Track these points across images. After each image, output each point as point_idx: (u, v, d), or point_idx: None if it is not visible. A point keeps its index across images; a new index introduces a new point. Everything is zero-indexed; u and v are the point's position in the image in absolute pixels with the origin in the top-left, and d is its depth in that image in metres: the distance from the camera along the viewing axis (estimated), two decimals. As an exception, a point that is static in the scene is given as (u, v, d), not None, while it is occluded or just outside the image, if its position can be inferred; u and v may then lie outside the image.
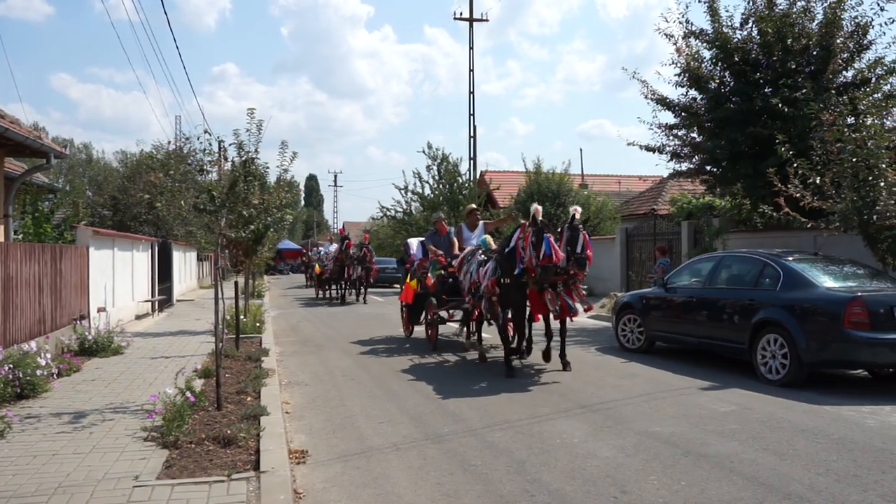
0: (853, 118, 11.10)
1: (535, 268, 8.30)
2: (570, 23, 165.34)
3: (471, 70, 30.61)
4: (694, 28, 14.09)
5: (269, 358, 9.87)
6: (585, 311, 9.28)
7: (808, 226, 10.60)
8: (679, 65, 14.04)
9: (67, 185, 33.95)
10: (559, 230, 8.67)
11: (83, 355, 9.83)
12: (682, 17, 14.27)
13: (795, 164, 10.56)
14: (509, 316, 9.27)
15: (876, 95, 12.59)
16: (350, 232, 27.31)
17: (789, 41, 12.81)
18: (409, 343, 12.13)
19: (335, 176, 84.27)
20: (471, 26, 30.92)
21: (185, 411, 5.89)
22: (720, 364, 9.40)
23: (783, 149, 11.12)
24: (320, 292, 24.96)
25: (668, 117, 14.86)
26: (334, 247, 24.16)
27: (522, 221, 8.78)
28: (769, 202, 11.55)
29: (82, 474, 4.83)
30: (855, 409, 6.87)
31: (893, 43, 13.06)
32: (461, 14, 31.52)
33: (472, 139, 30.51)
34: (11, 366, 7.14)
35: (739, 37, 13.53)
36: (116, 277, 13.72)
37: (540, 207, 8.66)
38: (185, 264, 26.05)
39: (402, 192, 28.76)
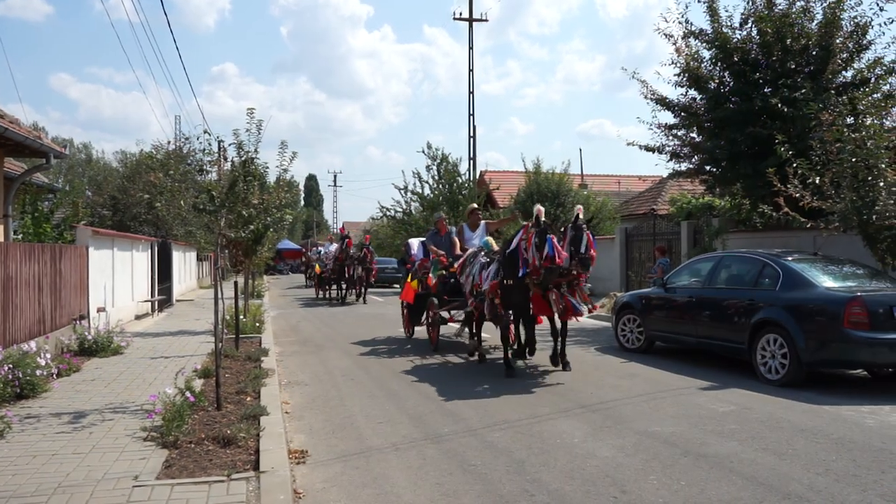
0: (852, 118, 11.11)
1: (539, 269, 8.24)
2: (570, 23, 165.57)
3: (470, 70, 30.63)
4: (693, 28, 14.11)
5: (269, 358, 9.87)
6: (590, 311, 9.18)
7: (808, 226, 10.61)
8: (678, 65, 14.06)
9: (67, 185, 33.95)
10: (563, 229, 8.57)
11: (83, 355, 9.83)
12: (682, 17, 14.30)
13: (795, 164, 10.56)
14: (511, 318, 9.19)
15: (875, 95, 12.60)
16: (350, 232, 27.30)
17: (789, 41, 12.83)
18: (410, 343, 12.09)
19: (335, 176, 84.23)
20: (470, 26, 30.94)
21: (184, 411, 5.89)
22: (720, 364, 9.40)
23: (783, 149, 11.13)
24: (320, 292, 24.93)
25: (668, 117, 14.89)
26: (334, 246, 24.14)
27: (525, 223, 8.69)
28: (769, 202, 11.56)
29: (82, 474, 4.83)
30: (854, 409, 6.87)
31: (893, 43, 13.04)
32: (461, 14, 31.55)
33: (471, 139, 30.53)
34: (11, 366, 7.14)
35: (739, 37, 13.54)
36: (116, 277, 13.72)
37: (542, 208, 8.60)
38: (184, 264, 26.05)
39: (402, 192, 28.79)
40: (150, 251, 17.26)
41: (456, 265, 10.54)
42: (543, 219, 8.42)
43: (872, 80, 12.99)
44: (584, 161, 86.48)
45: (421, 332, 12.31)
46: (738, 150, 13.18)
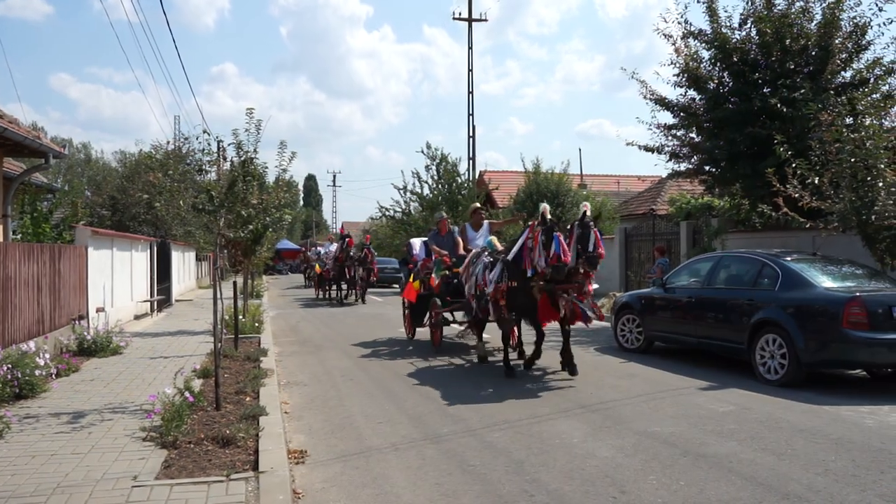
0: (852, 118, 11.14)
1: (546, 268, 8.01)
2: (569, 23, 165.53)
3: (470, 70, 30.64)
4: (693, 28, 14.13)
5: (268, 358, 9.87)
6: (598, 318, 8.88)
7: (807, 226, 10.62)
8: (678, 65, 14.07)
9: (66, 184, 33.97)
10: (569, 227, 8.40)
11: (82, 355, 9.82)
12: (681, 17, 14.32)
13: (794, 165, 10.57)
14: (515, 320, 9.00)
15: (874, 96, 12.63)
16: (350, 232, 27.30)
17: (788, 41, 12.84)
18: (412, 345, 11.96)
19: (334, 176, 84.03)
20: (470, 26, 30.96)
21: (183, 411, 5.89)
22: (719, 364, 9.41)
23: (782, 149, 11.13)
24: (320, 292, 24.89)
25: (667, 117, 14.91)
26: (334, 246, 24.11)
27: (531, 222, 8.46)
28: (768, 202, 11.57)
29: (81, 474, 4.83)
30: (853, 409, 6.87)
31: (892, 43, 13.05)
32: (460, 14, 31.58)
33: (471, 139, 30.54)
34: (10, 366, 7.13)
35: (738, 37, 13.56)
36: (115, 277, 13.71)
37: (548, 206, 8.40)
38: (183, 264, 26.04)
39: (401, 192, 28.81)
40: (149, 251, 17.25)
41: (461, 268, 10.21)
42: (549, 216, 8.21)
43: (871, 80, 13.01)
44: (584, 161, 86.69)
45: (422, 333, 12.13)
46: (738, 151, 13.19)
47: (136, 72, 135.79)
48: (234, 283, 11.42)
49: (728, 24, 13.76)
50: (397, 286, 27.02)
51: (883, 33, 17.56)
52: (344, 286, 22.87)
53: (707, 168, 14.70)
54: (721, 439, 5.85)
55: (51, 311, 9.97)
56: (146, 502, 4.33)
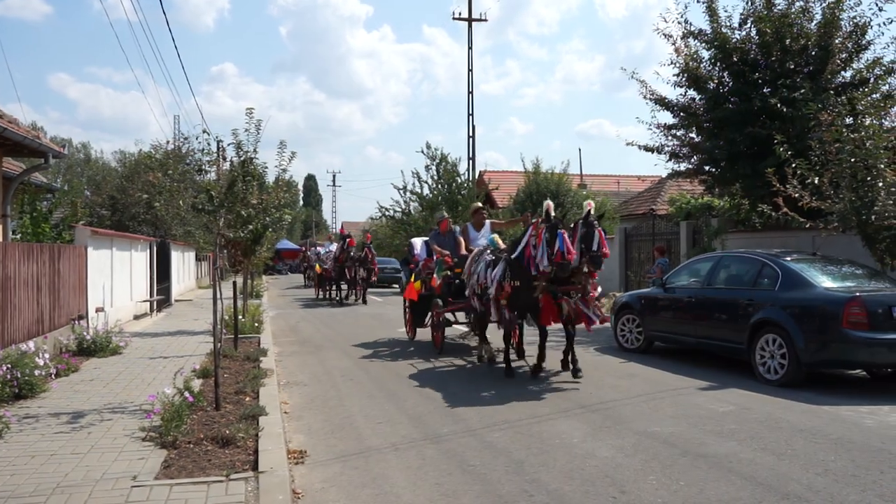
0: (851, 118, 11.14)
1: (547, 267, 7.88)
2: (569, 23, 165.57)
3: (470, 70, 30.65)
4: (693, 28, 14.13)
5: (268, 358, 9.86)
6: (600, 323, 8.73)
7: (807, 226, 10.62)
8: (678, 65, 14.07)
9: (66, 184, 33.95)
10: (573, 226, 8.26)
11: (81, 355, 9.82)
12: (681, 17, 14.33)
13: (794, 165, 10.57)
14: (517, 320, 8.84)
15: (874, 96, 12.64)
16: (350, 231, 27.29)
17: (788, 41, 12.84)
18: (412, 345, 11.93)
19: (334, 176, 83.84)
20: (469, 26, 30.96)
21: (183, 411, 5.89)
22: (719, 364, 9.40)
23: (782, 149, 11.13)
24: (320, 293, 24.86)
25: (667, 117, 14.91)
26: (334, 246, 24.09)
27: (535, 220, 8.30)
28: (768, 202, 11.56)
29: (80, 474, 4.83)
30: (853, 409, 6.87)
31: (892, 43, 13.06)
32: (460, 14, 31.60)
33: (470, 139, 30.54)
34: (9, 366, 7.13)
35: (738, 37, 13.56)
36: (115, 277, 13.71)
37: (552, 203, 8.27)
38: (183, 264, 26.03)
39: (401, 192, 28.81)
40: (148, 251, 17.24)
41: (464, 267, 10.01)
42: (553, 214, 8.07)
43: (871, 80, 13.01)
44: (584, 161, 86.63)
45: (423, 333, 12.02)
46: (738, 151, 13.19)
47: (135, 71, 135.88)
48: (234, 283, 11.42)
49: (728, 23, 13.77)
50: (397, 286, 27.04)
51: (883, 33, 17.65)
52: (344, 286, 22.83)
53: (707, 168, 14.70)
54: (721, 439, 5.85)
55: (50, 310, 9.97)
56: (146, 502, 4.32)
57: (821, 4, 13.18)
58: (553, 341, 9.24)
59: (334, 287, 23.18)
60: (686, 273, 10.42)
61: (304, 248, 41.73)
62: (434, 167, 27.74)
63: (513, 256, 8.46)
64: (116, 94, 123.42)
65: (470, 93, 30.58)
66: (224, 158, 9.19)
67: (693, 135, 14.66)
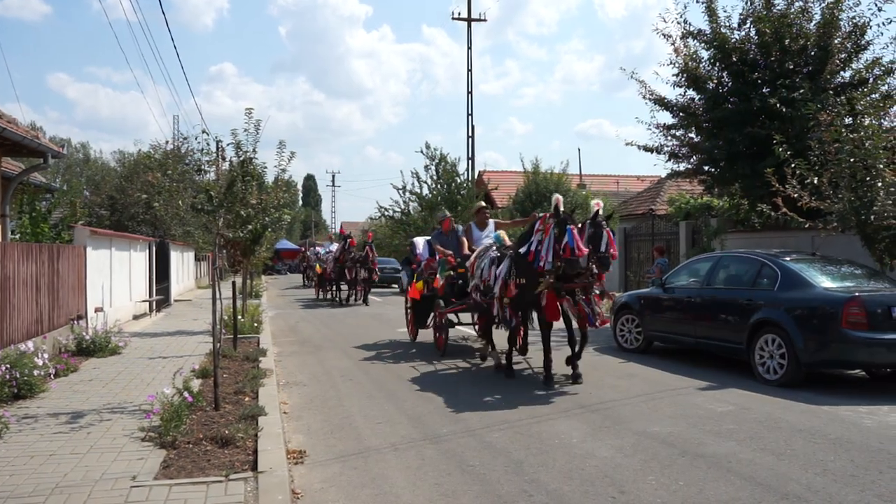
0: (851, 118, 11.14)
1: (559, 262, 7.62)
2: (569, 23, 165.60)
3: (469, 70, 30.64)
4: (692, 28, 14.15)
5: (267, 358, 9.86)
6: (598, 325, 8.52)
7: (806, 226, 10.61)
8: (677, 65, 14.08)
9: (65, 184, 33.95)
10: (580, 226, 7.95)
11: (80, 355, 9.81)
12: (681, 17, 14.33)
13: (793, 165, 10.57)
14: (521, 320, 8.72)
15: (873, 96, 12.65)
16: (350, 231, 27.26)
17: (787, 41, 12.85)
18: (413, 346, 11.82)
19: (333, 176, 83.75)
20: (469, 26, 30.95)
21: (182, 411, 5.88)
22: (718, 364, 9.41)
23: (781, 149, 11.14)
24: (320, 293, 24.81)
25: (666, 117, 14.92)
26: (334, 246, 24.04)
27: (542, 214, 8.08)
28: (767, 202, 11.57)
29: (80, 474, 4.83)
30: (852, 409, 6.88)
31: (891, 43, 13.07)
32: (459, 14, 31.57)
33: (470, 139, 30.53)
34: (8, 366, 7.12)
35: (737, 37, 13.57)
36: (114, 277, 13.70)
37: (561, 197, 8.03)
38: (182, 264, 26.02)
39: (400, 192, 28.80)
40: (147, 251, 17.24)
41: (468, 263, 9.83)
42: (562, 208, 7.85)
43: (871, 80, 13.03)
44: (583, 161, 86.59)
45: (425, 334, 11.92)
46: (737, 151, 13.20)
47: (134, 71, 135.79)
48: (233, 283, 11.41)
49: (727, 23, 13.78)
50: (396, 286, 27.03)
51: (882, 33, 17.76)
52: (344, 287, 22.69)
53: (706, 168, 14.71)
54: (720, 439, 5.85)
55: (49, 311, 9.96)
56: (145, 502, 4.32)
57: (820, 4, 13.20)
58: (554, 341, 9.19)
59: (334, 288, 23.10)
60: (685, 273, 10.42)
61: (303, 249, 41.71)
62: (433, 167, 27.72)
63: (520, 251, 8.21)
64: (115, 94, 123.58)
65: (469, 93, 30.58)
66: (223, 158, 9.20)
67: (692, 135, 14.67)
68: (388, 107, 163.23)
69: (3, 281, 8.31)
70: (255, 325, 13.13)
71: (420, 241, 12.30)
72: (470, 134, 30.55)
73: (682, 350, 10.32)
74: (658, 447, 5.64)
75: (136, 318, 15.44)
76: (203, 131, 7.67)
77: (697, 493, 4.63)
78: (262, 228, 9.01)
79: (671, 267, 12.85)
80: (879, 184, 9.25)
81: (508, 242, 9.33)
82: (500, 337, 9.98)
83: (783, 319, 8.08)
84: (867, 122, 10.41)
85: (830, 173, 9.87)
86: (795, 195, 10.29)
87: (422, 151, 27.86)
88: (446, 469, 5.21)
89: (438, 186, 27.59)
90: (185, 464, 5.03)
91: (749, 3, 13.65)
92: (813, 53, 13.00)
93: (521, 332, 9.29)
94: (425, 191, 27.95)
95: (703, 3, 13.95)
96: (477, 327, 10.57)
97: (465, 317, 11.42)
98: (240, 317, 12.08)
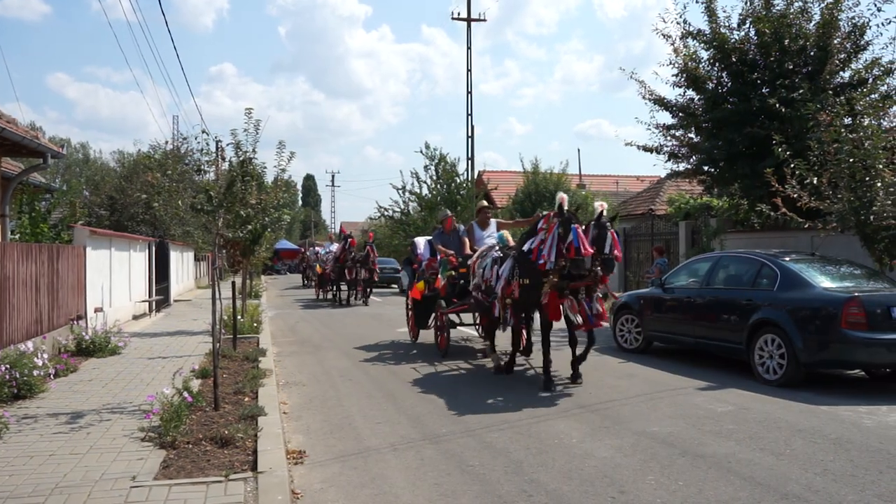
0: (850, 118, 11.14)
1: (563, 261, 7.52)
2: (568, 23, 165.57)
3: (468, 70, 30.62)
4: (691, 28, 14.15)
5: (267, 358, 9.85)
6: (599, 325, 8.43)
7: (806, 226, 10.62)
8: (677, 65, 14.09)
9: (64, 184, 33.96)
10: (584, 228, 7.82)
11: (80, 355, 9.81)
12: (680, 17, 14.34)
13: (793, 165, 10.58)
14: (524, 321, 8.66)
15: (873, 96, 12.66)
16: (350, 231, 27.26)
17: (786, 42, 12.86)
18: (413, 347, 11.76)
19: (333, 176, 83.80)
20: (468, 26, 30.94)
21: (182, 412, 5.88)
22: (717, 364, 9.41)
23: (780, 149, 11.15)
24: (320, 293, 24.78)
25: (666, 117, 14.94)
26: (334, 246, 24.03)
27: (546, 213, 7.96)
28: (766, 202, 11.58)
29: (79, 475, 4.83)
30: (852, 409, 6.88)
31: (890, 43, 13.13)
32: (459, 14, 31.52)
33: (469, 139, 30.51)
34: (8, 366, 7.12)
35: (737, 37, 13.58)
36: (113, 277, 13.70)
37: (565, 196, 7.94)
38: (182, 264, 26.02)
39: (400, 192, 28.82)
40: (147, 251, 17.23)
41: (470, 262, 9.77)
42: (567, 207, 7.75)
43: (870, 80, 13.04)
44: (582, 161, 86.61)
45: (425, 334, 11.86)
46: (736, 151, 13.21)
47: (134, 71, 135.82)
48: (233, 283, 11.41)
49: (727, 24, 13.79)
50: (396, 286, 27.04)
51: (881, 33, 17.78)
52: (344, 288, 22.61)
53: (706, 168, 14.72)
54: (719, 439, 5.85)
55: (49, 311, 9.96)
56: (145, 503, 4.32)
57: (819, 5, 13.21)
58: (554, 341, 9.18)
59: (335, 288, 23.07)
60: (685, 273, 10.43)
61: (302, 249, 41.74)
62: (433, 167, 27.77)
63: (523, 249, 8.11)
64: (115, 94, 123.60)
65: (469, 93, 30.57)
66: (223, 158, 9.21)
67: (692, 135, 14.68)
68: (388, 107, 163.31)
69: (3, 281, 8.31)
70: (255, 325, 13.13)
71: (421, 241, 12.21)
72: (469, 134, 30.53)
73: (682, 350, 10.32)
74: (658, 447, 5.64)
75: (135, 318, 15.44)
76: (203, 131, 7.68)
77: (697, 493, 4.63)
78: (262, 228, 9.02)
79: (671, 267, 12.86)
80: (879, 184, 9.26)
81: (512, 243, 9.27)
82: (502, 338, 9.99)
83: (782, 319, 8.08)
84: (866, 122, 10.41)
85: (830, 173, 9.87)
86: (795, 195, 10.30)
87: (421, 151, 27.95)
88: (446, 469, 5.21)
89: (438, 186, 27.63)
90: (184, 464, 5.03)
91: (749, 4, 13.66)
92: (812, 54, 13.01)
93: (524, 333, 9.26)
94: (425, 191, 27.99)
95: (702, 3, 13.96)
96: (480, 328, 10.52)
97: (467, 317, 11.42)
98: (239, 317, 12.08)
